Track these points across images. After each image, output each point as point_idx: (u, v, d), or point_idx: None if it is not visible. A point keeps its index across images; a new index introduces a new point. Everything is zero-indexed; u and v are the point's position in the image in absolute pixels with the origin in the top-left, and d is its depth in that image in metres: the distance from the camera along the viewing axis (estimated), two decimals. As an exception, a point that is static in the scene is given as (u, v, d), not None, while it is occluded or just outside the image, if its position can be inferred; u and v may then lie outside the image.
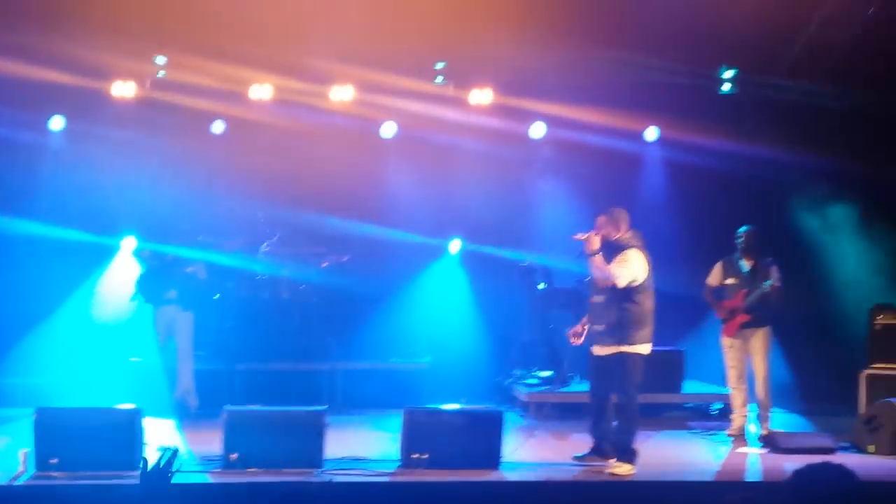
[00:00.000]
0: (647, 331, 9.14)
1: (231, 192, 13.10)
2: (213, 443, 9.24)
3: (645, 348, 9.17)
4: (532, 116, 13.56)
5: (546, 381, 12.32)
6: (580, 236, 9.22)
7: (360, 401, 12.23)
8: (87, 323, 13.05)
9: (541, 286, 12.74)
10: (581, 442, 10.25)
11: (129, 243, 13.04)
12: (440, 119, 13.28)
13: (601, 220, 9.28)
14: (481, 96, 13.31)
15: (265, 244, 12.88)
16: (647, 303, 9.11)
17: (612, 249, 9.13)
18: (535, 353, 12.79)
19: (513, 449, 9.57)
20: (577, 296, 12.71)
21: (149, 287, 11.62)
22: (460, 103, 13.38)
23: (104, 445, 8.66)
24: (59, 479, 8.42)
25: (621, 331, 9.06)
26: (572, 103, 12.99)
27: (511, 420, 10.06)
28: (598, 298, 9.25)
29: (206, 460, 9.08)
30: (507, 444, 9.35)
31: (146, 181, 13.11)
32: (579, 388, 12.19)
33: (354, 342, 13.17)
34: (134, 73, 12.95)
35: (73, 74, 12.43)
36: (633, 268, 9.01)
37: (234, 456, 8.77)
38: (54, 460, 8.55)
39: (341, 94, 13.15)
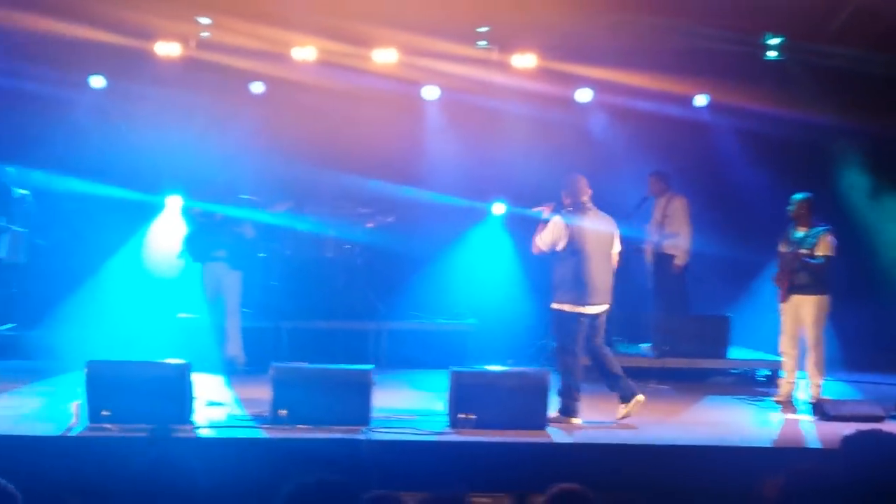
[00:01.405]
0: (580, 292, 9.44)
1: (275, 152, 13.11)
2: (261, 399, 9.29)
3: (572, 308, 9.47)
4: (577, 81, 13.47)
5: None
6: (537, 209, 9.78)
7: (405, 360, 12.27)
8: (134, 279, 13.15)
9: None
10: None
11: (174, 201, 13.11)
12: (484, 82, 13.23)
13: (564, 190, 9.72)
14: (525, 61, 13.23)
15: (311, 204, 12.90)
16: (580, 265, 9.44)
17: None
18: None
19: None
20: (619, 259, 12.73)
21: (197, 245, 11.67)
22: (504, 67, 13.31)
23: (155, 399, 8.70)
24: (112, 430, 8.48)
25: (554, 290, 9.56)
26: (618, 68, 12.90)
27: (557, 382, 10.03)
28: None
29: (256, 416, 9.14)
30: (553, 406, 9.36)
31: (190, 140, 13.16)
32: (625, 350, 12.24)
33: (399, 302, 13.25)
34: (178, 34, 12.95)
35: (116, 34, 12.44)
36: (549, 233, 9.51)
37: (284, 412, 8.80)
38: (106, 412, 8.61)
39: (384, 56, 13.10)
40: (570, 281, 9.44)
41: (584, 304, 9.47)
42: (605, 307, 9.61)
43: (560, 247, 9.48)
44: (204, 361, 10.94)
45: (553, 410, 9.37)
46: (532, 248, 9.75)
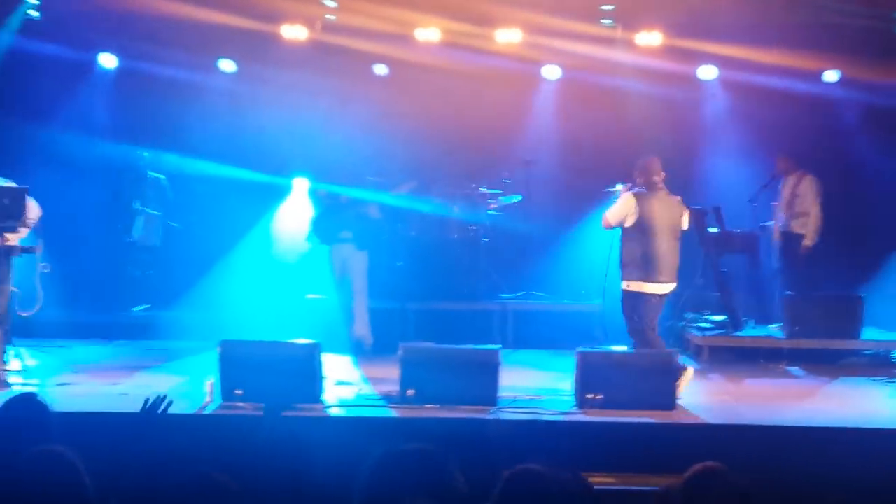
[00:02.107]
0: (648, 270, 9.65)
1: (400, 134, 13.18)
2: (388, 379, 9.42)
3: (640, 286, 9.67)
4: (702, 58, 13.30)
5: (720, 324, 12.18)
6: (615, 189, 10.18)
7: (531, 341, 12.27)
8: (264, 260, 13.34)
9: (713, 230, 12.56)
10: (755, 386, 10.18)
11: (301, 183, 13.29)
12: (607, 61, 13.13)
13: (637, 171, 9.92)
14: (650, 38, 13.10)
15: (436, 185, 12.97)
16: (648, 243, 9.64)
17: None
18: (707, 297, 12.64)
19: (687, 392, 9.48)
20: (750, 239, 12.56)
21: (324, 227, 11.81)
22: (628, 45, 13.20)
23: (286, 378, 8.85)
24: (245, 409, 8.65)
25: (623, 268, 9.79)
26: (745, 44, 12.69)
27: (684, 363, 9.93)
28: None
29: (385, 395, 9.25)
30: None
31: (316, 122, 13.32)
32: (753, 332, 12.08)
33: (525, 282, 13.28)
34: (304, 17, 13.10)
35: (245, 18, 12.64)
36: (616, 210, 9.77)
37: (412, 392, 8.89)
38: (239, 391, 8.79)
39: (508, 36, 13.08)
40: (639, 259, 9.66)
41: (652, 282, 9.66)
42: (672, 286, 9.82)
43: (628, 223, 9.70)
44: (332, 342, 11.10)
45: None
46: (602, 222, 9.94)
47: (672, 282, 9.78)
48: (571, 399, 9.16)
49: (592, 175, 13.36)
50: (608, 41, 13.19)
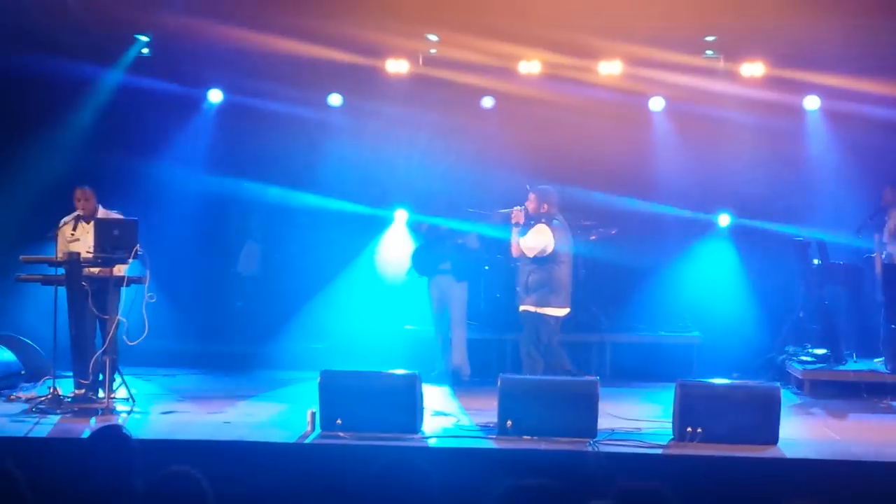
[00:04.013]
0: (561, 296, 10.48)
1: (499, 166, 13.24)
2: (486, 410, 9.48)
3: (552, 311, 10.45)
4: (806, 88, 13.15)
5: (822, 358, 11.97)
6: (506, 210, 10.72)
7: (629, 373, 12.23)
8: (364, 291, 13.44)
9: (816, 262, 12.39)
10: (861, 420, 10.01)
11: (401, 215, 13.41)
12: (709, 92, 13.05)
13: (530, 196, 10.58)
14: (753, 69, 13.02)
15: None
16: (558, 271, 10.41)
17: (531, 222, 10.53)
18: (809, 330, 12.45)
19: (789, 426, 9.36)
20: (853, 272, 12.34)
21: (424, 259, 11.93)
22: (731, 76, 13.12)
23: (385, 408, 8.96)
24: (345, 438, 8.76)
25: (529, 292, 10.44)
26: (850, 74, 12.52)
27: (785, 397, 9.82)
28: (520, 264, 10.67)
29: (483, 426, 9.29)
30: (783, 421, 9.16)
31: (417, 155, 13.44)
32: (856, 366, 11.84)
33: (623, 315, 13.21)
34: (407, 51, 13.26)
35: (350, 53, 12.83)
36: (539, 239, 10.38)
37: (510, 423, 8.93)
38: (339, 421, 8.91)
39: (609, 68, 13.10)
40: (553, 285, 10.39)
41: (555, 307, 10.43)
42: (568, 310, 10.61)
43: (546, 252, 10.34)
44: (430, 372, 11.21)
45: None
46: (512, 250, 10.65)
47: (568, 306, 10.58)
48: (671, 432, 9.09)
49: (696, 206, 13.33)
50: (710, 72, 13.11)
